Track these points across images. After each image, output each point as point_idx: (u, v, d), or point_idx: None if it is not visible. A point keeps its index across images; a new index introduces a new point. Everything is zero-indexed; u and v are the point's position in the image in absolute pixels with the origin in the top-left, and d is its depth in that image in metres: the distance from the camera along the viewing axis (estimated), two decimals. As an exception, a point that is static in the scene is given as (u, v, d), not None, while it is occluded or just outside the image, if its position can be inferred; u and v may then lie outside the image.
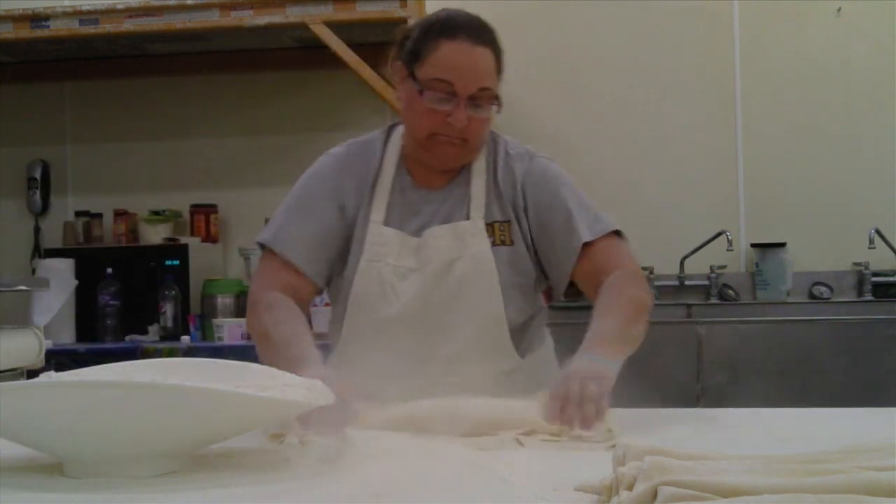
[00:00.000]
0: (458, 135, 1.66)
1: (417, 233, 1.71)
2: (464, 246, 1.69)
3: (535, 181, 1.75)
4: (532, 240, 1.74)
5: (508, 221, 1.73)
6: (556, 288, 1.77)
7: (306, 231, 1.73)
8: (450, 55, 1.63)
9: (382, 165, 1.76)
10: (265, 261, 1.76)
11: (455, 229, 1.70)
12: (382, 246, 1.70)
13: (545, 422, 1.35)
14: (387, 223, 1.72)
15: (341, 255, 1.74)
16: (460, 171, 1.76)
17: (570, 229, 1.70)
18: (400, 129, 1.80)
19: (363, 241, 1.71)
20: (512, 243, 1.72)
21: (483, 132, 1.71)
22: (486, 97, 1.66)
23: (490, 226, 1.71)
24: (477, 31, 1.66)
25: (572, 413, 1.34)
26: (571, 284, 1.75)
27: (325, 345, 1.76)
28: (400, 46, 1.73)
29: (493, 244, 1.70)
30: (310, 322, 1.77)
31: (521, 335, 1.74)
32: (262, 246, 1.76)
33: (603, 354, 1.50)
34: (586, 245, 1.69)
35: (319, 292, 1.80)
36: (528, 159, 1.78)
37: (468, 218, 1.71)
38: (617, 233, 1.74)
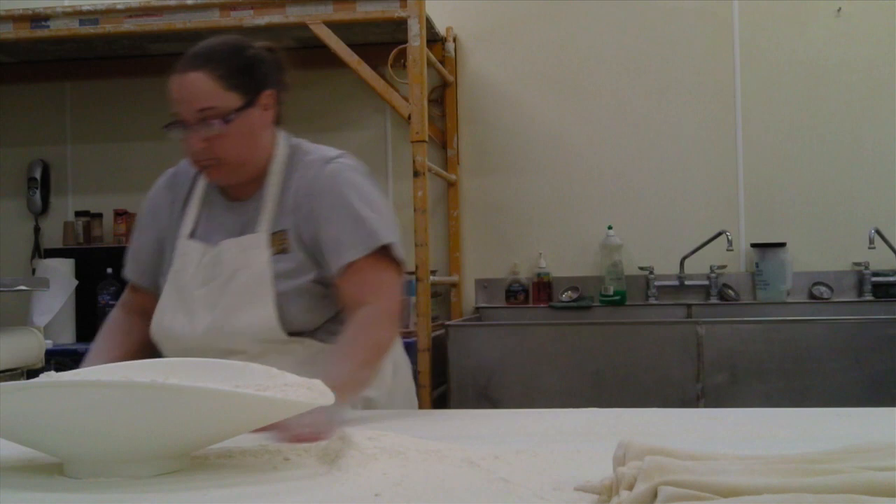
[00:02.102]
0: (206, 157, 1.72)
1: (217, 244, 1.78)
2: (246, 258, 1.74)
3: (319, 188, 1.76)
4: (311, 246, 1.75)
5: (284, 230, 1.75)
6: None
7: (136, 248, 1.91)
8: (171, 89, 1.72)
9: (196, 181, 1.86)
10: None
11: (240, 242, 1.76)
12: (185, 256, 1.79)
13: None
14: (193, 236, 1.81)
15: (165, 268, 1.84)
16: (262, 183, 1.80)
17: (337, 248, 1.71)
18: None
19: (174, 254, 1.81)
20: (291, 251, 1.75)
21: (232, 147, 1.73)
22: (210, 116, 1.70)
23: (274, 235, 1.75)
24: (192, 59, 1.71)
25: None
26: None
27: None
28: None
29: (275, 254, 1.74)
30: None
31: (312, 335, 1.75)
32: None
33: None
34: (351, 263, 1.70)
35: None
36: (320, 165, 1.80)
37: (256, 230, 1.76)
38: (389, 247, 1.72)
